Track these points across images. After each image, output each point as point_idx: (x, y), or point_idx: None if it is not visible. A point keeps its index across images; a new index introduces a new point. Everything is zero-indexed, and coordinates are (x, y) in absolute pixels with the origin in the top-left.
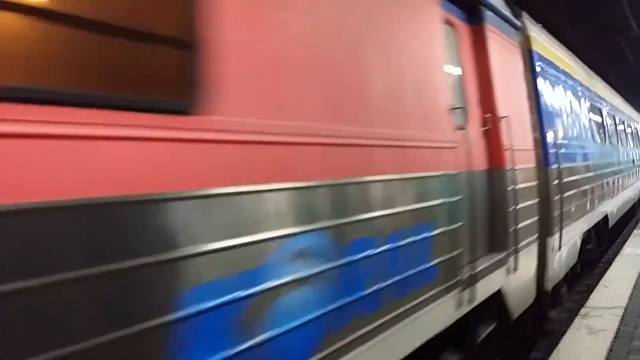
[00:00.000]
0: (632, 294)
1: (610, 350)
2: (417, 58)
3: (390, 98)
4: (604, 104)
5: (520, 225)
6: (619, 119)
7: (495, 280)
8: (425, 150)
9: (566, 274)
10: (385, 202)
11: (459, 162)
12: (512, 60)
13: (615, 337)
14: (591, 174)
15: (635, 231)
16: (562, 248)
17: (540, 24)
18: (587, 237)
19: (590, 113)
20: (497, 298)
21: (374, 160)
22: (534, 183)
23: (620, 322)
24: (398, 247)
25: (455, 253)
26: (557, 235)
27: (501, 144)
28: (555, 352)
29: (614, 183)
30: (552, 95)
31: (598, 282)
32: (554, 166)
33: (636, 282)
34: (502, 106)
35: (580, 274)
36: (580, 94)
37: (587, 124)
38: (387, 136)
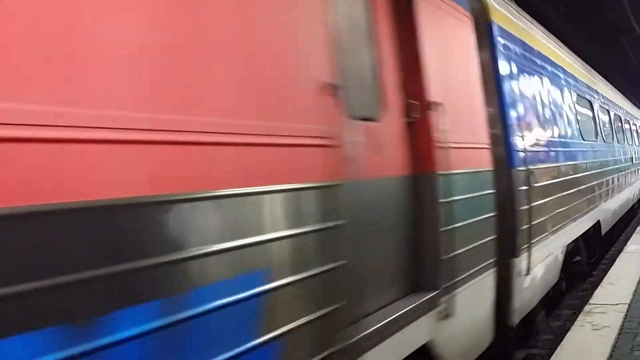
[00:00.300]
0: (635, 291)
1: (614, 346)
2: (264, 12)
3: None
4: (596, 96)
5: (462, 249)
6: (615, 115)
7: (415, 334)
8: (253, 150)
9: (547, 294)
10: (174, 238)
11: (341, 167)
12: (456, 34)
13: (619, 334)
14: (578, 175)
15: (638, 228)
16: (535, 269)
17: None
18: (573, 249)
19: (578, 106)
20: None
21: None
22: (488, 191)
23: (624, 319)
24: (196, 316)
25: (319, 313)
26: (524, 256)
27: (431, 139)
28: (559, 348)
29: (608, 185)
30: (522, 82)
31: (602, 279)
32: (521, 168)
33: None
34: (437, 91)
35: (567, 290)
36: (563, 83)
37: (572, 119)
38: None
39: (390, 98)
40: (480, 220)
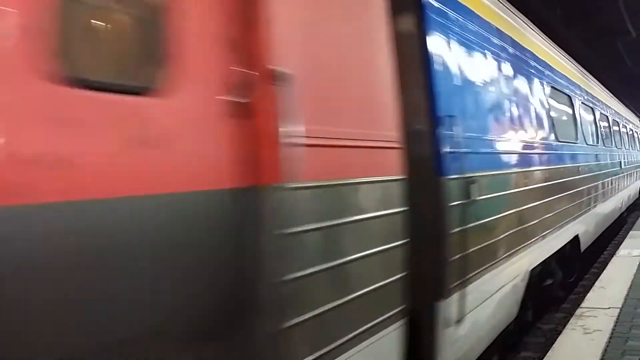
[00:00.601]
0: (627, 295)
1: (605, 350)
2: None
3: None
4: (578, 92)
5: (330, 305)
6: (602, 114)
7: None
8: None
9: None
10: None
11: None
12: None
13: (611, 338)
14: (549, 183)
15: (631, 232)
16: (476, 311)
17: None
18: (543, 271)
19: (553, 101)
20: None
21: None
22: (392, 210)
23: (616, 323)
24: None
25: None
26: (456, 296)
27: (272, 131)
28: (550, 351)
29: (590, 193)
30: (467, 63)
31: (594, 283)
32: (456, 176)
33: (632, 283)
34: (292, 57)
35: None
36: (533, 72)
37: (543, 115)
38: None
39: (193, 57)
40: (373, 254)
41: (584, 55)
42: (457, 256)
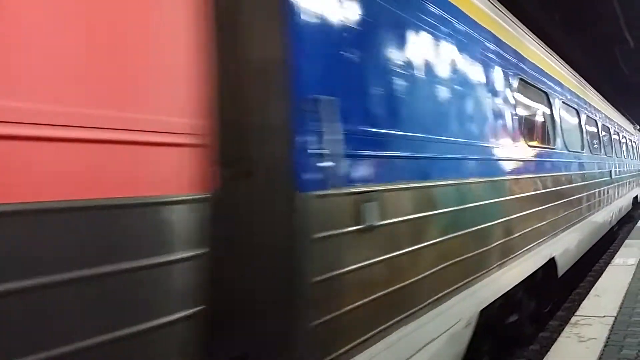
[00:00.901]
0: (622, 304)
1: (600, 358)
2: None
3: None
4: (558, 89)
5: None
6: (589, 118)
7: None
8: None
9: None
10: None
11: None
12: None
13: (605, 346)
14: (511, 198)
15: (626, 241)
16: None
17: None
18: (505, 305)
19: (520, 96)
20: None
21: None
22: (149, 261)
23: (610, 331)
24: None
25: None
26: None
27: None
28: (545, 359)
29: (572, 206)
30: (373, 25)
31: (589, 291)
32: (330, 191)
33: (627, 291)
34: None
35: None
36: (493, 58)
37: (506, 113)
38: None
39: None
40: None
41: (582, 62)
42: (316, 322)
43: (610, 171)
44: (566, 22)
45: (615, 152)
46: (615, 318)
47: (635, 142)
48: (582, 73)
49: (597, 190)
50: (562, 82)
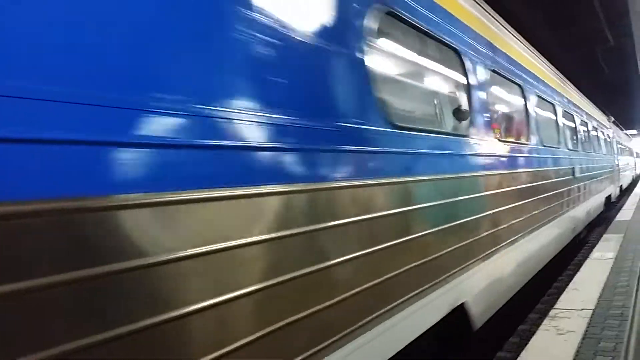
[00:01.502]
0: (600, 297)
1: (578, 351)
2: None
3: None
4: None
5: None
6: (541, 100)
7: None
8: None
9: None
10: None
11: None
12: None
13: (583, 339)
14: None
15: (604, 235)
16: None
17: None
18: None
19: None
20: None
21: None
22: None
23: (589, 324)
24: None
25: None
26: None
27: None
28: (524, 352)
29: (502, 221)
30: None
31: (567, 285)
32: None
33: (605, 285)
34: None
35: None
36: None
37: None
38: None
39: None
40: None
41: (564, 61)
42: None
43: (574, 168)
44: (549, 20)
45: (582, 145)
46: (593, 311)
47: (609, 136)
48: (564, 71)
49: (553, 193)
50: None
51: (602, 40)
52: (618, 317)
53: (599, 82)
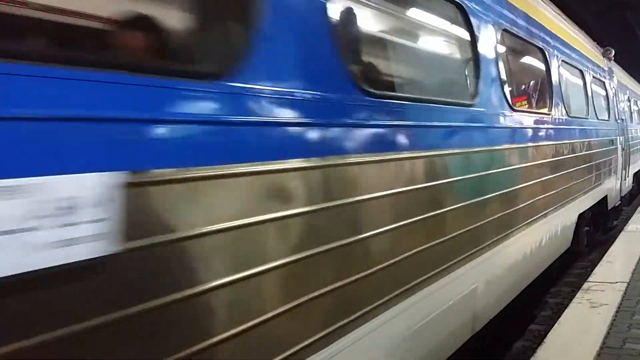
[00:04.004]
0: (635, 270)
1: (612, 324)
2: None
3: None
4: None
5: None
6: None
7: None
8: None
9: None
10: None
11: None
12: None
13: (617, 312)
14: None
15: None
16: None
17: None
18: None
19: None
20: None
21: None
22: None
23: (623, 297)
24: None
25: None
26: None
27: None
28: (557, 324)
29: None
30: None
31: (601, 258)
32: None
33: (639, 258)
34: None
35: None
36: None
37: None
38: None
39: None
40: None
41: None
42: None
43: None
44: None
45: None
46: (628, 284)
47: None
48: (595, 37)
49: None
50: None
51: (635, 5)
52: None
53: (633, 49)
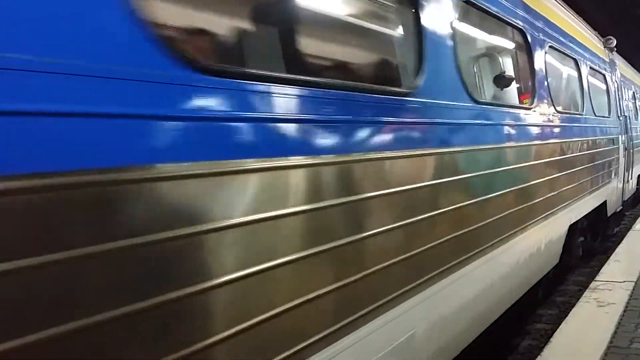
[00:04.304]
0: None
1: (619, 323)
2: None
3: None
4: None
5: None
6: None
7: None
8: None
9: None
10: None
11: None
12: None
13: (625, 311)
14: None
15: None
16: None
17: None
18: None
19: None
20: None
21: None
22: None
23: (630, 296)
24: None
25: None
26: None
27: None
28: (563, 323)
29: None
30: None
31: (609, 257)
32: None
33: None
34: None
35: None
36: None
37: None
38: None
39: None
40: None
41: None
42: None
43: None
44: None
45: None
46: (635, 283)
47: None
48: (603, 33)
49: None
50: None
51: None
52: None
53: None
